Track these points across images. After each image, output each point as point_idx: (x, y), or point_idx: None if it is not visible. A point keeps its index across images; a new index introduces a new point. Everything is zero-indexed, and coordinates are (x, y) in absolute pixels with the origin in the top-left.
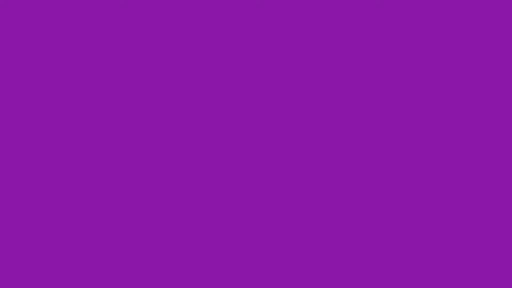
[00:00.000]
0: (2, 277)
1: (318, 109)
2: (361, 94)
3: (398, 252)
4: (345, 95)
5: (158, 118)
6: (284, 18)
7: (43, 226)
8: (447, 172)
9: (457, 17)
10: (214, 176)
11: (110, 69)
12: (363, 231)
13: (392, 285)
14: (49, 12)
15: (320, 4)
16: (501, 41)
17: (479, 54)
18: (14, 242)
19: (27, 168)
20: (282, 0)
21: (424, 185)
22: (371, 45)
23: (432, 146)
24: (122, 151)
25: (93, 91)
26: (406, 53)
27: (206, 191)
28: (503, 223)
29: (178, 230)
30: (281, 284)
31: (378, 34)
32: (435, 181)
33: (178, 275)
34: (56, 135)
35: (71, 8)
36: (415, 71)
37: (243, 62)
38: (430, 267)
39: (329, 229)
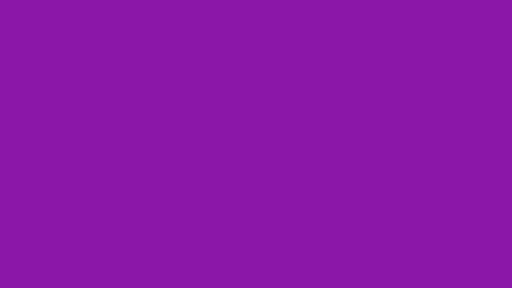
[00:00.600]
0: (2, 277)
1: (318, 109)
2: (361, 94)
3: (398, 252)
4: (345, 95)
5: (158, 118)
6: (284, 18)
7: (43, 226)
8: (447, 172)
9: (457, 17)
10: (214, 176)
11: (110, 69)
12: (363, 231)
13: (392, 285)
14: (49, 12)
15: (320, 4)
16: (501, 41)
17: (479, 54)
18: (14, 242)
19: (27, 168)
20: (282, 0)
21: (424, 185)
22: (371, 45)
23: (432, 146)
24: (122, 151)
25: (93, 91)
26: (406, 53)
27: (206, 191)
28: (503, 223)
29: (178, 230)
30: (281, 284)
31: (378, 34)
32: (435, 181)
33: (178, 275)
34: (56, 135)
35: (71, 8)
36: (415, 71)
37: (243, 62)
38: (430, 267)
39: (329, 229)
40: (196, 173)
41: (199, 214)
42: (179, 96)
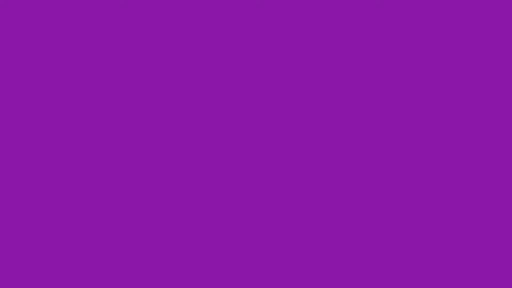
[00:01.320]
0: (2, 277)
1: (318, 109)
2: (361, 94)
3: (398, 252)
4: (345, 95)
5: (158, 118)
6: (284, 18)
7: (43, 226)
8: (447, 172)
9: (457, 17)
10: (214, 176)
11: (110, 69)
12: (363, 231)
13: (392, 285)
14: (49, 12)
15: (320, 4)
16: (501, 41)
17: (479, 54)
18: (14, 242)
19: (27, 168)
20: (282, 0)
21: (424, 185)
22: (371, 45)
23: (432, 146)
24: (122, 151)
25: (93, 91)
26: (406, 53)
27: (206, 191)
28: (503, 223)
29: (178, 230)
30: (281, 284)
31: (378, 34)
32: (435, 181)
33: (178, 275)
34: (56, 135)
35: (71, 8)
36: (415, 71)
37: (243, 62)
38: (430, 267)
39: (329, 229)
40: (196, 173)
41: (199, 214)
42: (179, 96)
